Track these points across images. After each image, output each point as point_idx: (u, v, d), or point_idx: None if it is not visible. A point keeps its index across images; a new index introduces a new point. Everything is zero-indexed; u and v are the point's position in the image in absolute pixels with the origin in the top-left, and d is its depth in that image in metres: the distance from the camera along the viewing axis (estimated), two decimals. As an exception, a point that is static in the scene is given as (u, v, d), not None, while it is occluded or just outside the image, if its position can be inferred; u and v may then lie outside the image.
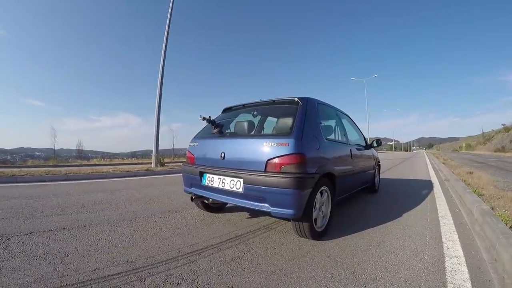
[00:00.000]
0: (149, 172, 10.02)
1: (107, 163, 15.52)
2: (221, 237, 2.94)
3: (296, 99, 3.22)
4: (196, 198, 3.49)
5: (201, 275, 2.04)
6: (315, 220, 2.93)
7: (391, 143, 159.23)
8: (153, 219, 3.65)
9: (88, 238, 2.83)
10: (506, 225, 2.81)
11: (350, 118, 5.09)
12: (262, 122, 4.03)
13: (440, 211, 4.22)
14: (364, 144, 5.21)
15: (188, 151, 3.74)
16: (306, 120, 2.98)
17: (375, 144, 5.48)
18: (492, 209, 3.48)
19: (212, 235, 2.98)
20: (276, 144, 2.71)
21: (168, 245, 2.68)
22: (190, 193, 3.56)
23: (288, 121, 3.06)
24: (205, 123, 3.78)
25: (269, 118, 4.07)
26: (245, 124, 3.41)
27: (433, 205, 4.65)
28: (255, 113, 3.80)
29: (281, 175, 2.59)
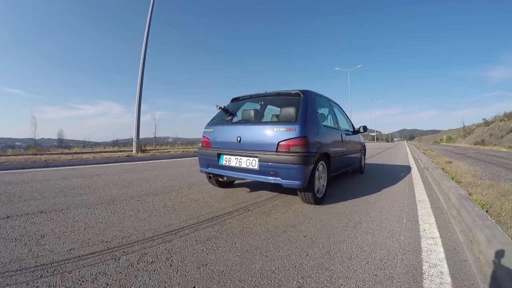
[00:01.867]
0: (129, 158, 9.86)
1: (89, 151, 15.22)
2: (198, 218, 2.99)
3: (298, 92, 3.84)
4: (213, 177, 4.27)
5: (175, 254, 2.07)
6: (317, 190, 3.62)
7: (373, 133, 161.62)
8: (131, 201, 3.67)
9: (65, 220, 2.84)
10: (482, 208, 2.87)
11: (340, 107, 5.75)
12: (263, 111, 4.50)
13: (418, 196, 4.32)
14: (352, 130, 5.95)
15: (204, 136, 4.26)
16: (308, 109, 3.60)
17: (361, 130, 6.15)
18: (470, 194, 3.55)
19: (189, 216, 3.03)
20: (285, 130, 3.32)
21: (145, 225, 2.71)
22: (208, 172, 4.16)
23: (292, 110, 3.68)
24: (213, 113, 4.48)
25: (268, 106, 4.57)
26: (252, 112, 4.15)
27: (411, 191, 4.76)
28: (262, 103, 4.50)
29: (290, 154, 3.21)
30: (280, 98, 4.30)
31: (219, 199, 3.85)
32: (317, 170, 3.57)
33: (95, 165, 8.10)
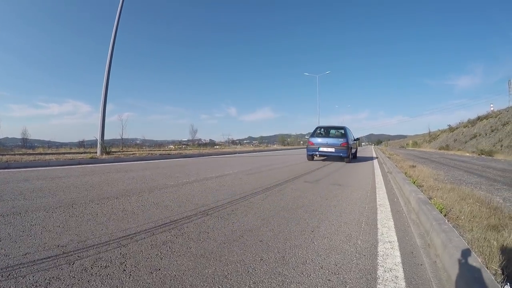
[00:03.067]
0: (93, 160, 9.47)
1: (53, 152, 14.53)
2: (156, 222, 2.98)
3: (343, 126, 13.27)
4: (313, 156, 12.35)
5: (129, 258, 2.07)
6: (349, 158, 11.82)
7: None
8: (91, 205, 3.61)
9: (22, 224, 2.79)
10: (441, 212, 2.93)
11: (351, 131, 14.26)
12: (329, 131, 13.26)
13: (378, 200, 4.42)
14: (354, 139, 13.65)
15: (310, 140, 12.30)
16: (346, 133, 12.24)
17: (357, 139, 15.69)
18: (430, 199, 3.64)
19: (147, 220, 3.02)
20: (341, 139, 11.70)
21: (102, 229, 2.68)
22: (313, 154, 12.22)
23: (342, 132, 12.45)
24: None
25: (331, 130, 13.21)
26: (325, 132, 13.05)
27: (372, 195, 4.87)
28: (328, 129, 13.31)
29: (343, 147, 11.41)
30: (336, 127, 13.39)
31: (179, 203, 3.80)
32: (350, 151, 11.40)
33: (57, 167, 7.75)
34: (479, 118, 36.40)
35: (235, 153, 17.47)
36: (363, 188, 5.43)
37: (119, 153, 13.13)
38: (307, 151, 12.20)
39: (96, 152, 11.62)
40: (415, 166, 8.53)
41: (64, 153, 12.43)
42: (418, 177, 6.18)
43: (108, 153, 11.37)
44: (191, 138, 64.47)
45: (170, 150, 32.71)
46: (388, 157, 13.81)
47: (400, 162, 10.95)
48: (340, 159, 12.71)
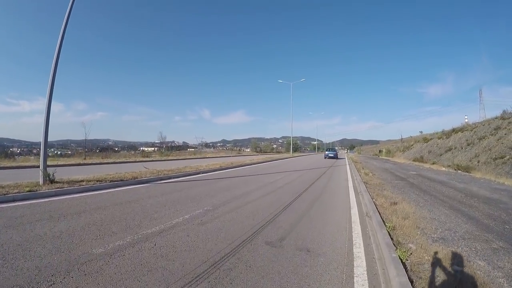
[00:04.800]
0: (31, 195, 7.78)
1: None
2: None
3: (334, 148, 71.32)
4: (325, 157, 48.33)
5: None
6: (337, 157, 49.80)
7: (315, 142, 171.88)
8: None
9: None
10: None
11: (336, 147, 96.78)
12: (329, 148, 65.71)
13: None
14: (337, 151, 57.47)
15: (325, 152, 53.25)
16: (335, 149, 57.72)
17: (336, 149, 66.93)
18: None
19: None
20: (334, 152, 49.90)
21: None
22: (325, 156, 48.03)
23: (335, 149, 57.96)
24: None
25: (330, 149, 58.31)
26: (328, 149, 57.10)
27: (349, 263, 3.72)
28: (330, 149, 56.48)
29: (335, 154, 48.73)
30: (332, 148, 61.68)
31: None
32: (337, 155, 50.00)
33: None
34: (454, 131, 36.71)
35: (198, 172, 15.70)
36: (338, 257, 4.36)
37: (66, 185, 11.41)
38: (324, 156, 49.03)
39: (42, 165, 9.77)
40: (396, 204, 7.60)
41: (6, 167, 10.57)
42: (403, 228, 5.44)
43: (52, 181, 9.66)
44: (163, 141, 65.97)
45: (136, 158, 31.10)
46: (364, 182, 12.50)
47: (378, 189, 10.08)
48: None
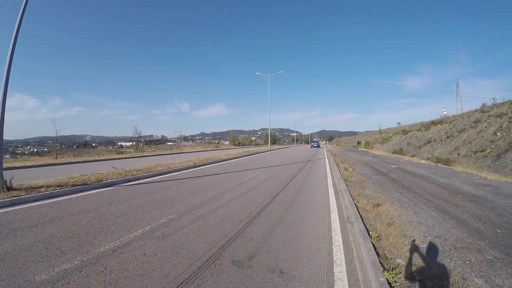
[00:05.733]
0: None
1: None
2: None
3: (317, 140, 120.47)
4: (311, 146, 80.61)
5: None
6: (319, 146, 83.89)
7: (294, 134, 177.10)
8: None
9: None
10: None
11: (318, 139, 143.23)
12: (314, 141, 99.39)
13: None
14: (318, 142, 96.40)
15: (310, 143, 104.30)
16: (317, 141, 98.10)
17: (318, 141, 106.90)
18: None
19: None
20: (317, 143, 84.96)
21: None
22: (311, 146, 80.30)
23: (317, 141, 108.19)
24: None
25: (314, 140, 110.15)
26: (313, 141, 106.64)
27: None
28: (314, 140, 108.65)
29: (317, 144, 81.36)
30: (315, 140, 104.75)
31: None
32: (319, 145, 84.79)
33: None
34: (433, 123, 37.07)
35: (170, 171, 14.62)
36: (316, 280, 3.74)
37: (24, 192, 10.35)
38: (310, 146, 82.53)
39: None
40: (379, 205, 7.08)
41: None
42: (389, 237, 4.94)
43: (9, 188, 8.54)
44: (141, 135, 68.32)
45: (109, 155, 29.76)
46: (344, 178, 11.92)
47: (359, 187, 9.61)
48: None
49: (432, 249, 4.77)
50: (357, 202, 7.45)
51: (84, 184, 9.98)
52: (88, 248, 4.57)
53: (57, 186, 9.41)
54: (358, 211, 6.58)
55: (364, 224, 5.57)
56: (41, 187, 9.16)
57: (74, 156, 29.50)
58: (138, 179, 12.10)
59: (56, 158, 26.90)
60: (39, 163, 21.13)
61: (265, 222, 6.09)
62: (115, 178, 11.35)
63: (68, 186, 9.47)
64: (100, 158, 26.89)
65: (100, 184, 10.41)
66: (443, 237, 5.43)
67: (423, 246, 4.84)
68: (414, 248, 4.61)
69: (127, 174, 12.37)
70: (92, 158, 26.20)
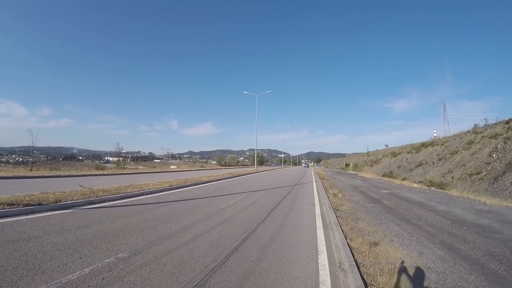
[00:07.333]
0: None
1: None
2: None
3: (307, 162, 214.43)
4: (303, 166, 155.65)
5: None
6: (308, 166, 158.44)
7: (281, 155, 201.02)
8: None
9: None
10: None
11: (308, 161, 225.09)
12: (304, 163, 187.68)
13: None
14: (307, 163, 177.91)
15: (302, 163, 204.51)
16: (307, 164, 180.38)
17: (307, 163, 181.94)
18: None
19: None
20: (306, 164, 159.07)
21: None
22: (304, 166, 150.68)
23: (307, 162, 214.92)
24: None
25: (303, 162, 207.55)
26: (304, 163, 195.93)
27: None
28: (303, 162, 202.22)
29: (307, 165, 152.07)
30: (306, 162, 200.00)
31: None
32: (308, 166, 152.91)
33: None
34: (424, 145, 36.63)
35: (141, 194, 13.12)
36: None
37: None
38: (303, 166, 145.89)
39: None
40: (377, 245, 6.00)
41: None
42: None
43: None
44: (129, 151, 65.08)
45: (88, 171, 28.33)
46: (334, 208, 10.73)
47: (350, 218, 8.52)
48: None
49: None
50: (350, 240, 6.29)
51: (39, 204, 8.71)
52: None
53: (8, 204, 8.14)
54: (352, 253, 5.45)
55: (360, 274, 4.44)
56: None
57: (50, 170, 28.25)
58: (103, 201, 10.67)
59: (31, 170, 25.71)
60: (10, 174, 20.17)
61: (235, 270, 4.81)
62: (76, 199, 10.03)
63: (20, 206, 8.22)
64: (77, 173, 25.60)
65: (57, 205, 9.17)
66: (460, 288, 4.36)
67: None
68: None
69: (92, 195, 11.04)
70: (67, 173, 24.88)
